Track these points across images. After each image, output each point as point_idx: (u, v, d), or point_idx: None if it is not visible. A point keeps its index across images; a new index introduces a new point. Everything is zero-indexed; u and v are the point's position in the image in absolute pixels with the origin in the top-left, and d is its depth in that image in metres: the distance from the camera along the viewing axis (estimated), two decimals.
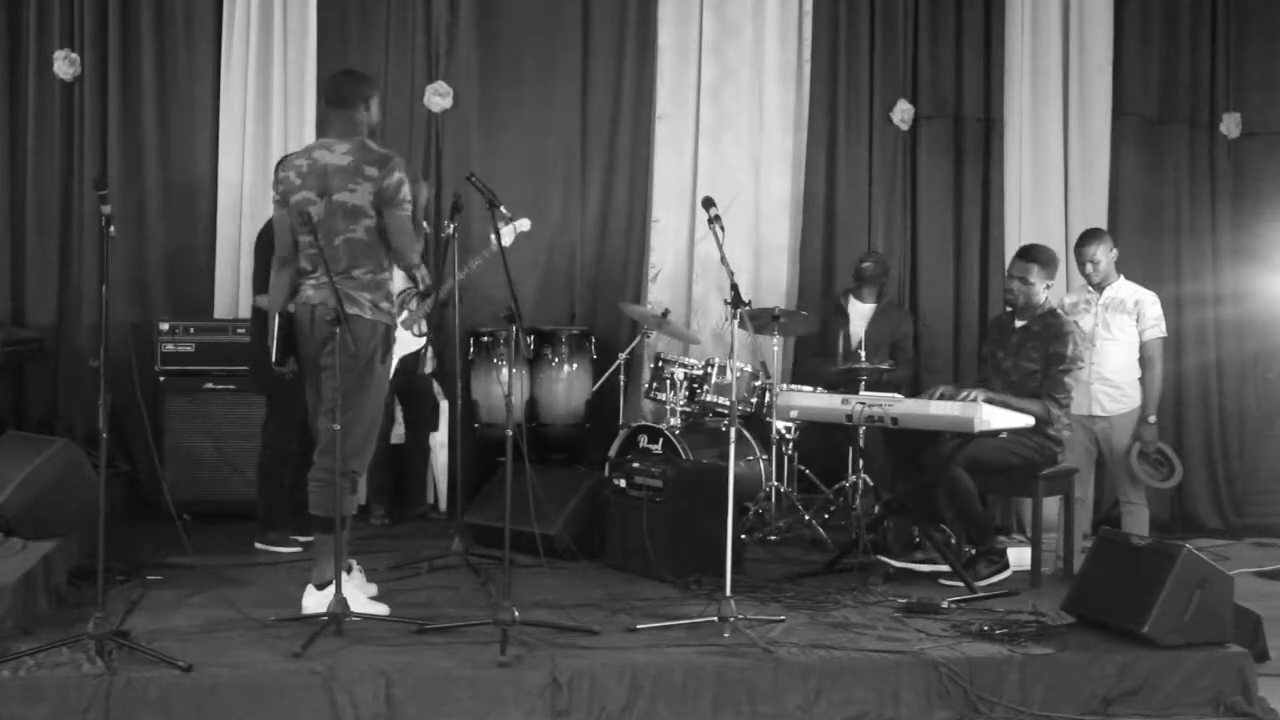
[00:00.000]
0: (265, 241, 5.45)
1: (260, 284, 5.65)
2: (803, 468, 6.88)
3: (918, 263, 7.68)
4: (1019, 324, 5.64)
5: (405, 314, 6.34)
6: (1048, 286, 5.62)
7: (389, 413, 6.45)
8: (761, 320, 6.42)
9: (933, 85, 7.67)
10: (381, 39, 7.09)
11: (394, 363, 6.24)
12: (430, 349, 6.45)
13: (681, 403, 6.52)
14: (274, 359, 4.65)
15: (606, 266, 7.39)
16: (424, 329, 6.28)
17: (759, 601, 4.86)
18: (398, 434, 6.66)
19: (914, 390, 7.13)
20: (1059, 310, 5.70)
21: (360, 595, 4.56)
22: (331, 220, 4.47)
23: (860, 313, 7.03)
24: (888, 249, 7.56)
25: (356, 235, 4.46)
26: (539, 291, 7.29)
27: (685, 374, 6.56)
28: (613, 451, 6.53)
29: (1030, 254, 5.68)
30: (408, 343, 6.19)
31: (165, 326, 6.47)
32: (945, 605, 4.81)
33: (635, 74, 7.36)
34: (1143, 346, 6.00)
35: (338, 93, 4.64)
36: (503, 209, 5.13)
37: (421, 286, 6.20)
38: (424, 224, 5.05)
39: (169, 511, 5.35)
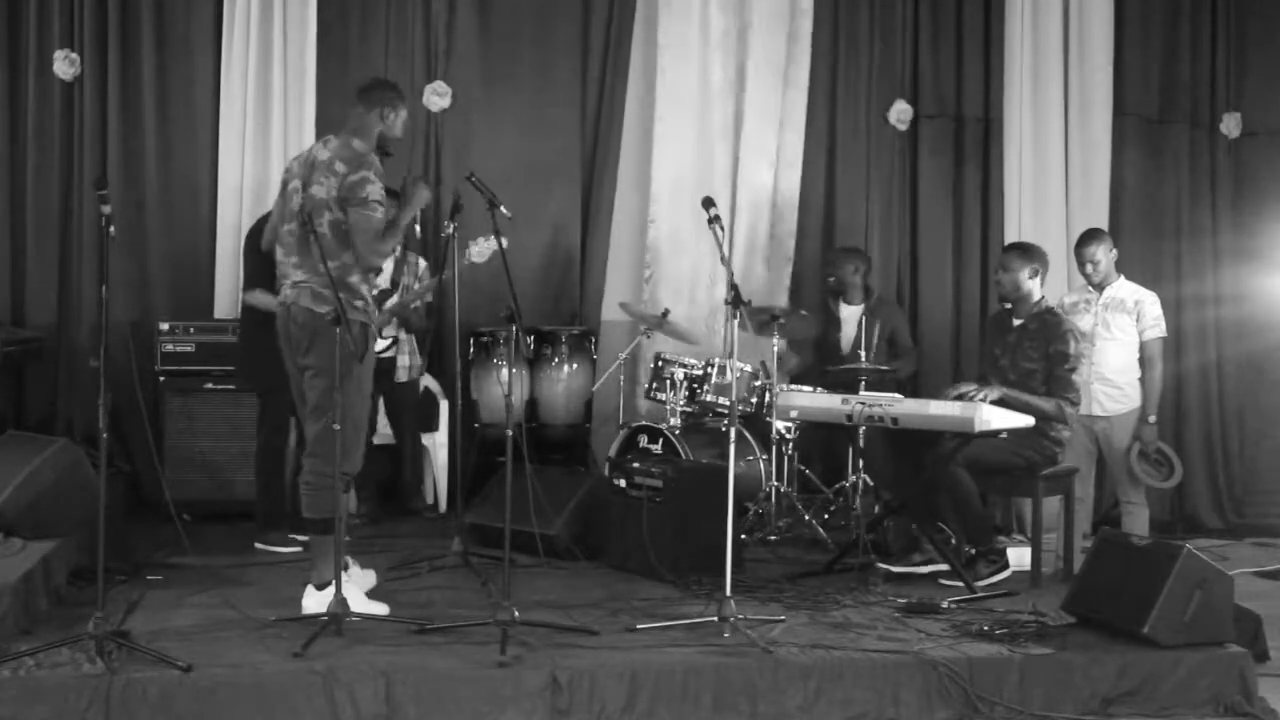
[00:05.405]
0: (254, 241, 5.46)
1: (251, 282, 5.67)
2: (802, 467, 6.88)
3: (918, 263, 7.68)
4: (1016, 322, 5.63)
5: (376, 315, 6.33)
6: (1035, 273, 5.59)
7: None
8: (762, 320, 6.42)
9: (932, 85, 7.67)
10: (381, 38, 7.09)
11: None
12: (409, 357, 6.43)
13: (681, 403, 6.52)
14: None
15: (606, 266, 7.38)
16: (392, 331, 6.27)
17: (759, 601, 4.85)
18: (383, 434, 6.63)
19: (914, 386, 7.11)
20: (1055, 309, 5.70)
21: (359, 592, 4.56)
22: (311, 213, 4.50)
23: (850, 314, 7.01)
24: (886, 248, 7.55)
25: (321, 230, 4.47)
26: (539, 291, 7.28)
27: (685, 374, 6.55)
28: (613, 451, 6.54)
29: (1011, 247, 5.90)
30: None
31: (165, 326, 6.46)
32: (945, 605, 4.81)
33: (634, 74, 7.35)
34: (1143, 347, 6.00)
35: (358, 92, 4.75)
36: (503, 209, 5.12)
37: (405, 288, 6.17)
38: (416, 228, 5.05)
39: (169, 511, 5.35)
